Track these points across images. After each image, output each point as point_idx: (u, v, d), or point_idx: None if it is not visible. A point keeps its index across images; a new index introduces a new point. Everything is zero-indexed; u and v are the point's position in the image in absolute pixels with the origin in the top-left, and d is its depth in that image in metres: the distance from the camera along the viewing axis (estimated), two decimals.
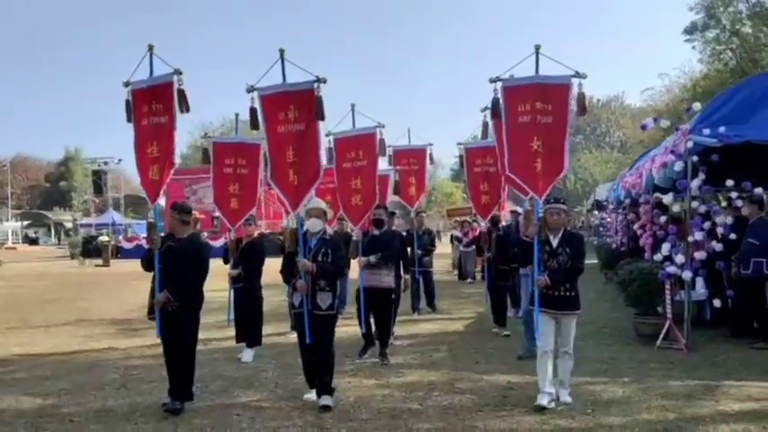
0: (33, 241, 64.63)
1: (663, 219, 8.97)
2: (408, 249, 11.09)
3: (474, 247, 16.37)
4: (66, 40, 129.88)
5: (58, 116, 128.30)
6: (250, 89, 6.23)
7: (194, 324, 6.01)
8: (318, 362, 5.92)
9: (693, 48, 36.73)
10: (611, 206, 19.41)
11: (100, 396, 6.53)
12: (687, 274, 8.06)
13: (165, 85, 6.13)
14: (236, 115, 9.55)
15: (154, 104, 6.21)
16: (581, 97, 6.27)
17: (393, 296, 7.85)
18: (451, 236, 18.88)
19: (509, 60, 6.54)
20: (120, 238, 37.40)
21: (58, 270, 26.77)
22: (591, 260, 20.22)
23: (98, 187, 39.98)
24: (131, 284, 16.93)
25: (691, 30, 36.03)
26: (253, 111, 6.27)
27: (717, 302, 8.44)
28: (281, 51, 6.16)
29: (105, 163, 38.68)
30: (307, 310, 5.85)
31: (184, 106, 6.07)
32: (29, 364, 8.22)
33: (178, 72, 6.06)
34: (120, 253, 33.01)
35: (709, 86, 32.54)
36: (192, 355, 5.98)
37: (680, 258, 8.07)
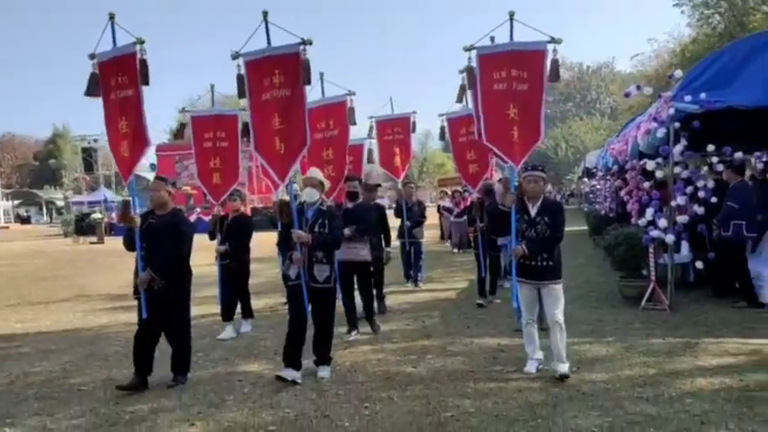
0: (25, 220, 64.58)
1: (647, 184, 9.18)
2: (399, 221, 11.28)
3: (465, 217, 16.26)
4: (51, 12, 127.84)
5: (44, 93, 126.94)
6: (235, 55, 6.00)
7: (185, 300, 5.98)
8: (317, 335, 5.96)
9: (682, 12, 36.67)
10: (599, 173, 19.63)
11: (104, 366, 6.78)
12: (670, 238, 8.32)
13: (128, 56, 5.86)
14: (212, 86, 9.50)
15: (120, 77, 5.95)
16: (554, 63, 6.24)
17: (372, 269, 7.87)
18: (438, 206, 18.78)
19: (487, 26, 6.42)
20: (113, 215, 37.40)
21: (53, 248, 26.88)
22: (581, 227, 20.61)
23: (88, 165, 39.90)
24: (125, 261, 16.78)
25: None
26: (240, 78, 6.02)
27: (699, 264, 8.71)
28: (265, 14, 5.87)
29: (95, 140, 38.41)
30: (304, 283, 5.78)
31: (145, 78, 5.81)
32: (32, 339, 8.44)
33: (140, 41, 5.80)
34: (113, 230, 33.04)
35: (697, 51, 32.52)
36: (186, 330, 5.99)
37: (663, 222, 8.32)
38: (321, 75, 8.17)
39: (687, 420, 4.54)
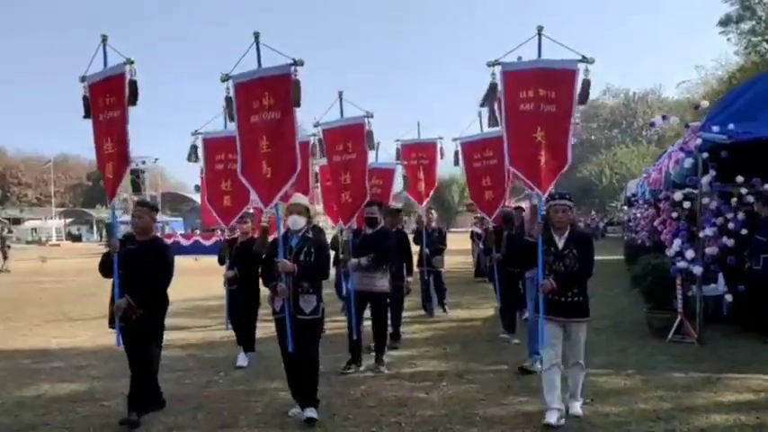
0: (76, 238, 66.71)
1: (674, 215, 9.07)
2: (418, 248, 10.78)
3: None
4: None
5: None
6: (224, 78, 5.79)
7: (158, 331, 5.70)
8: (303, 371, 5.54)
9: (729, 40, 36.22)
10: (639, 201, 19.37)
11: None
12: (698, 269, 8.18)
13: (117, 77, 5.73)
14: (224, 108, 9.73)
15: (107, 98, 5.82)
16: (585, 84, 5.63)
17: (388, 301, 7.52)
18: (471, 232, 18.46)
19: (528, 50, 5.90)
20: (158, 235, 38.41)
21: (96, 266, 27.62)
22: (618, 256, 20.27)
23: (136, 185, 40.83)
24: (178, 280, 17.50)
25: (726, 21, 35.44)
26: (229, 101, 5.83)
27: (729, 297, 8.53)
28: (256, 35, 5.69)
29: (143, 162, 39.64)
30: (289, 315, 5.46)
31: (132, 97, 5.63)
32: (66, 354, 8.75)
33: (130, 61, 5.63)
34: None
35: (744, 78, 31.98)
36: (155, 361, 5.70)
37: (690, 253, 8.20)
38: (340, 94, 7.82)
39: None
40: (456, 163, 10.01)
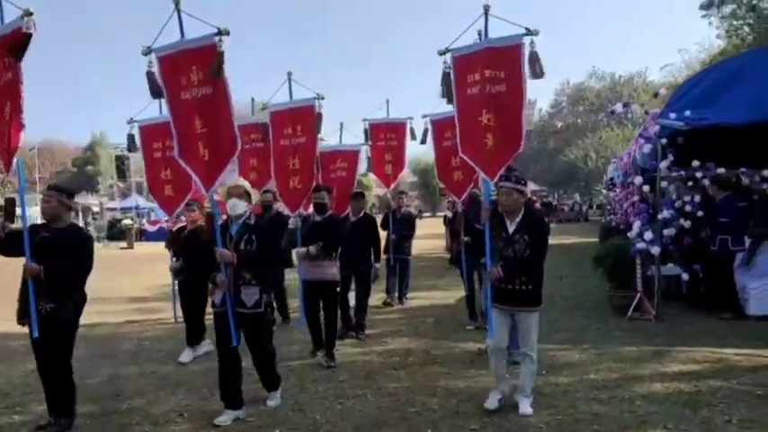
0: None
1: (635, 198, 9.49)
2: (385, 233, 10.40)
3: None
4: (90, 16, 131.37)
5: (84, 100, 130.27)
6: (146, 51, 5.28)
7: (71, 329, 5.10)
8: (256, 366, 5.43)
9: (710, 24, 36.53)
10: (615, 185, 19.84)
11: (113, 364, 7.33)
12: (656, 250, 8.61)
13: (12, 32, 4.89)
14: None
15: (5, 59, 4.98)
16: (534, 57, 5.28)
17: (338, 289, 7.24)
18: (445, 217, 18.55)
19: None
20: (144, 221, 38.58)
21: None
22: (592, 238, 20.76)
23: (121, 172, 40.96)
24: (152, 266, 17.74)
25: (707, 5, 35.68)
26: (150, 75, 5.33)
27: (685, 276, 8.98)
28: (176, 2, 5.08)
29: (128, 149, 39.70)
30: (230, 309, 5.14)
31: (21, 53, 4.80)
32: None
33: (28, 13, 4.75)
34: (143, 236, 34.16)
35: None
36: (67, 364, 5.13)
37: (648, 235, 8.63)
38: (289, 74, 7.47)
39: (630, 419, 4.90)
40: (423, 141, 9.57)
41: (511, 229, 5.10)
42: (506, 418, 5.01)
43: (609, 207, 24.33)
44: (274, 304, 5.96)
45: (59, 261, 4.88)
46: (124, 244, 30.84)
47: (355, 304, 8.30)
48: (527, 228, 5.07)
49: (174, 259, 7.70)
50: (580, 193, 68.46)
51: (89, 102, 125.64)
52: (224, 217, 5.44)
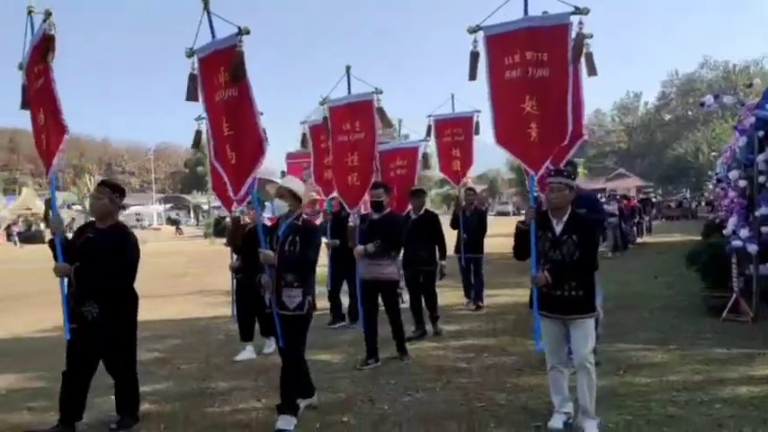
0: (175, 222, 70.32)
1: (732, 194, 8.99)
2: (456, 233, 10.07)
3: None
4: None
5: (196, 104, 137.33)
6: (190, 53, 5.19)
7: (128, 332, 5.05)
8: (282, 371, 5.14)
9: None
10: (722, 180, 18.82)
11: (204, 351, 7.80)
12: (752, 248, 8.14)
13: (40, 40, 4.91)
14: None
15: (36, 67, 5.05)
16: (579, 40, 4.77)
17: (398, 289, 7.09)
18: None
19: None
20: (245, 218, 40.21)
21: (191, 249, 29.59)
22: (696, 236, 19.77)
23: None
24: None
25: None
26: (193, 78, 5.22)
27: None
28: (205, 2, 4.95)
29: None
30: (274, 311, 5.06)
31: (52, 53, 4.80)
32: (153, 326, 9.71)
33: (48, 14, 4.79)
34: None
35: None
36: (131, 367, 5.13)
37: (744, 232, 8.16)
38: (347, 68, 7.32)
39: (704, 422, 4.71)
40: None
41: (558, 229, 4.65)
42: (576, 416, 4.94)
43: (716, 203, 23.10)
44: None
45: (102, 262, 4.69)
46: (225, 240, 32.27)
47: (425, 302, 8.18)
48: (575, 227, 4.62)
49: (235, 257, 7.62)
50: (690, 189, 64.92)
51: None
52: (267, 217, 5.54)
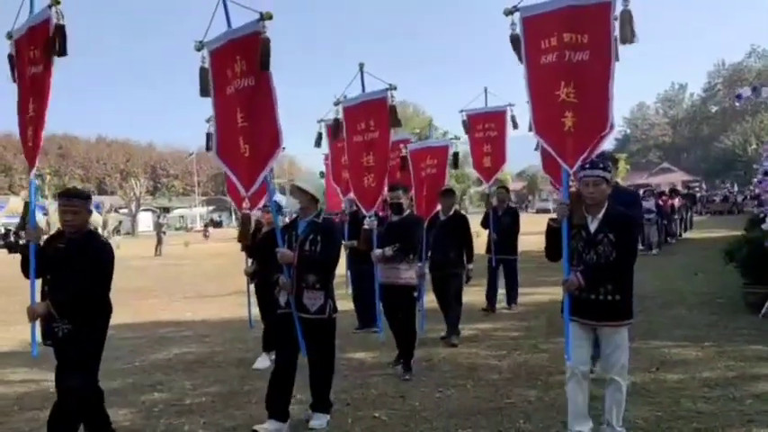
0: (217, 224, 71.64)
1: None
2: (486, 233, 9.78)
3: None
4: None
5: None
6: (199, 46, 4.99)
7: (93, 353, 4.38)
8: (311, 376, 5.08)
9: None
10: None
11: (243, 349, 8.03)
12: None
13: (41, 24, 4.55)
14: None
15: (32, 51, 4.66)
16: (625, 18, 4.31)
17: (415, 294, 6.67)
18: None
19: None
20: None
21: (231, 250, 29.93)
22: (739, 231, 19.34)
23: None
24: None
25: None
26: (203, 72, 5.02)
27: None
28: None
29: None
30: (294, 314, 4.86)
31: (61, 48, 4.43)
32: (195, 325, 10.06)
33: (56, 2, 4.40)
34: None
35: None
36: (84, 389, 4.30)
37: None
38: (361, 66, 7.01)
39: (735, 417, 4.71)
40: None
41: (592, 227, 4.26)
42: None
43: (763, 197, 22.51)
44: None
45: (75, 273, 4.23)
46: None
47: (449, 309, 7.80)
48: (612, 225, 4.21)
49: (250, 262, 7.34)
50: (739, 183, 63.30)
51: None
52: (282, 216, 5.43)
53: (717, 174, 74.30)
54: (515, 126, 9.13)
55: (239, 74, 4.81)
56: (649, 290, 10.93)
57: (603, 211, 4.27)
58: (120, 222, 55.04)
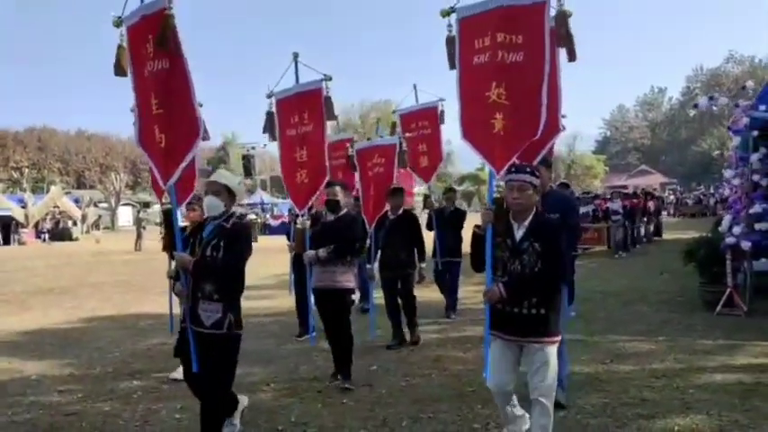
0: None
1: (727, 191, 9.28)
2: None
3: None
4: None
5: (219, 102, 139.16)
6: (117, 22, 4.64)
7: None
8: (203, 403, 4.45)
9: None
10: None
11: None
12: (745, 244, 8.43)
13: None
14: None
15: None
16: (561, 18, 4.24)
17: (353, 298, 6.23)
18: None
19: None
20: (268, 216, 41.01)
21: None
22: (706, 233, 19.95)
23: (247, 170, 43.82)
24: (275, 257, 18.86)
25: None
26: (120, 51, 4.68)
27: None
28: None
29: (253, 147, 42.35)
30: (189, 327, 4.31)
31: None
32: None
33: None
34: (267, 230, 36.50)
35: None
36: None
37: (737, 229, 8.47)
38: (295, 56, 6.58)
39: (676, 405, 5.08)
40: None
41: (518, 235, 3.93)
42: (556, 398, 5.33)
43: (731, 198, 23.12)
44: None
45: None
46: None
47: (403, 308, 7.70)
48: (538, 233, 3.89)
49: (173, 264, 6.60)
50: (715, 186, 64.47)
51: (223, 105, 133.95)
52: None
53: (694, 177, 75.55)
54: (442, 121, 8.61)
55: (152, 54, 4.42)
56: (614, 288, 11.39)
57: (530, 218, 3.96)
58: (100, 217, 54.69)
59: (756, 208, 8.48)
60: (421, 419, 5.03)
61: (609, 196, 20.81)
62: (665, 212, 34.04)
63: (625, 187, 39.69)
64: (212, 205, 4.37)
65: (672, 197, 47.75)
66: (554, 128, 4.76)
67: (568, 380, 5.39)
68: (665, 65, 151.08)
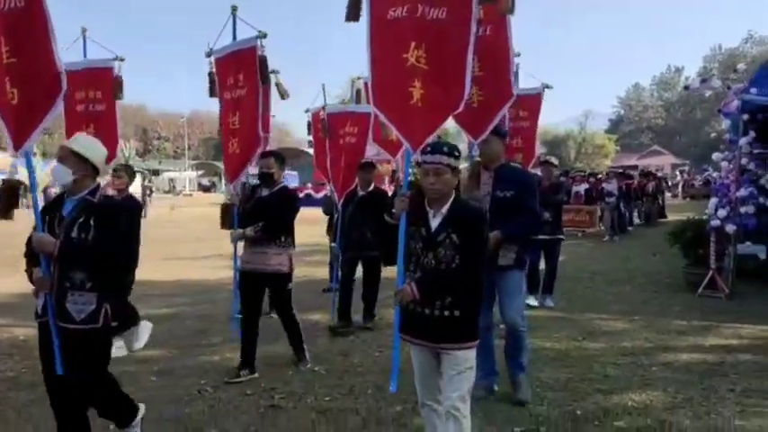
0: (207, 189, 71.72)
1: (715, 174, 9.31)
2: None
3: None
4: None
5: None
6: None
7: None
8: (74, 411, 3.71)
9: None
10: None
11: (209, 308, 8.49)
12: (730, 227, 8.48)
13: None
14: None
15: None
16: None
17: (289, 284, 5.63)
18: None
19: None
20: (309, 185, 41.29)
21: (216, 214, 30.48)
22: None
23: None
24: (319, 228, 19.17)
25: None
26: None
27: (762, 255, 8.77)
28: None
29: None
30: (52, 322, 3.55)
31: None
32: (166, 285, 10.48)
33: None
34: (310, 202, 37.02)
35: None
36: None
37: (722, 212, 8.51)
38: (233, 9, 5.88)
39: (635, 381, 5.21)
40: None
41: (434, 224, 3.36)
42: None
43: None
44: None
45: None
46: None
47: (363, 291, 7.27)
48: (457, 223, 3.31)
49: None
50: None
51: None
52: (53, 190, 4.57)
53: (707, 158, 74.78)
54: (358, 100, 7.90)
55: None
56: (602, 268, 11.49)
57: (448, 205, 3.36)
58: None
59: (742, 192, 8.48)
60: (386, 388, 5.17)
61: (603, 176, 20.43)
62: (668, 194, 33.73)
63: (635, 167, 39.42)
64: (58, 173, 3.62)
65: (679, 178, 47.33)
66: (507, 95, 4.57)
67: (531, 366, 5.26)
68: (684, 44, 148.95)
